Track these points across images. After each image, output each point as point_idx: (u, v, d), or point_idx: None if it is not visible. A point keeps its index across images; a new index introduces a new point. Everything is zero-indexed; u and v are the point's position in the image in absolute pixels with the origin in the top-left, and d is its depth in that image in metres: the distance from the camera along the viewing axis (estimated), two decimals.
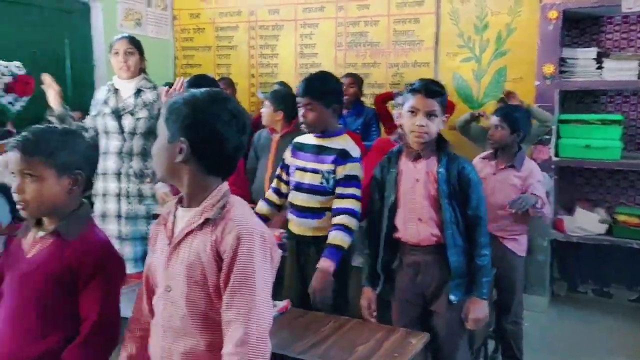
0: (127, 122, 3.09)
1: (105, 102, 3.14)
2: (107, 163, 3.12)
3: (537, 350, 3.40)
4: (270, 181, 3.50)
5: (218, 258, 1.29)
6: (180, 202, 1.42)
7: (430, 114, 2.15)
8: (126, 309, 1.64)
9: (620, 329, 3.88)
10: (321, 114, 2.41)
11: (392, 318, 2.34)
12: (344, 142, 2.45)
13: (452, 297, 2.18)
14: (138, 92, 3.13)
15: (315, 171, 2.43)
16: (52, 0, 4.66)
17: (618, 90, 4.23)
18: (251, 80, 5.41)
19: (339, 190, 2.37)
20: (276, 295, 2.35)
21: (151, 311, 1.44)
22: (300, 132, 2.59)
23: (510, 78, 4.45)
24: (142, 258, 3.06)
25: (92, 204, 3.04)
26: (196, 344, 1.32)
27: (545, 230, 4.05)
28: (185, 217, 1.37)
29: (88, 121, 3.22)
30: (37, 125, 1.61)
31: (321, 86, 2.45)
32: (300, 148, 2.53)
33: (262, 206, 2.62)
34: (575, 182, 4.44)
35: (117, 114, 3.09)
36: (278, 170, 2.64)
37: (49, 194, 1.52)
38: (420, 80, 2.23)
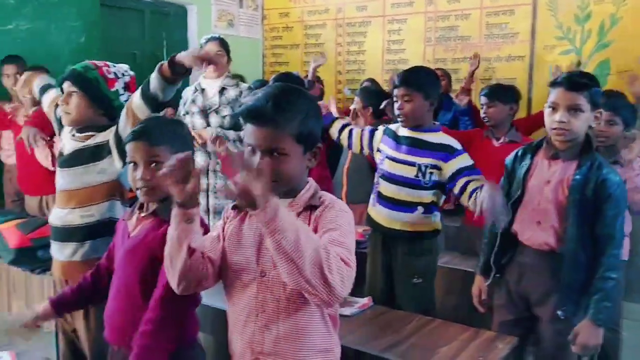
0: (214, 120, 3.23)
1: (193, 101, 3.30)
2: (196, 160, 3.25)
3: None
4: (348, 172, 3.55)
5: None
6: None
7: (572, 109, 1.91)
8: (209, 298, 1.68)
9: None
10: (418, 106, 2.34)
11: (494, 314, 2.22)
12: (443, 137, 2.38)
13: (559, 313, 1.98)
14: (222, 90, 3.26)
15: (410, 164, 2.35)
16: (152, 4, 4.93)
17: None
18: (338, 77, 5.43)
19: (466, 178, 2.24)
20: (357, 291, 2.37)
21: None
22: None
23: (614, 71, 4.15)
24: None
25: None
26: (289, 327, 1.34)
27: None
28: None
29: None
30: (152, 116, 1.78)
31: (420, 77, 2.39)
32: (392, 136, 2.45)
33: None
34: None
35: (205, 113, 3.23)
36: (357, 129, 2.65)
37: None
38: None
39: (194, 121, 3.27)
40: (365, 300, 2.18)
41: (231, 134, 3.18)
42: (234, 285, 1.41)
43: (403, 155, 2.38)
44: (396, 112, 2.41)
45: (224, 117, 3.23)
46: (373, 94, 3.54)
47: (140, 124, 1.71)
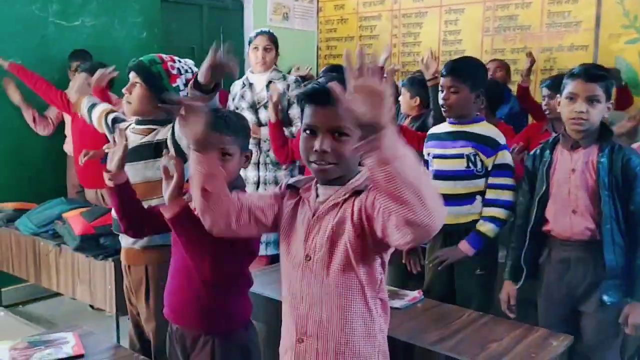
0: (263, 115, 3.27)
1: (242, 97, 3.35)
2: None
3: None
4: None
5: (360, 223, 1.33)
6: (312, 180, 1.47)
7: (591, 100, 1.98)
8: (261, 287, 1.72)
9: None
10: (464, 97, 2.31)
11: (539, 317, 2.21)
12: (486, 128, 2.34)
13: (605, 298, 2.00)
14: (269, 84, 3.29)
15: (458, 156, 2.33)
16: None
17: None
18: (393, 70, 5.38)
19: (492, 180, 2.31)
20: (416, 287, 2.36)
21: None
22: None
23: None
24: (273, 242, 3.21)
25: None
26: (331, 311, 1.37)
27: None
28: (326, 193, 1.41)
29: None
30: (219, 108, 1.84)
31: (467, 68, 2.35)
32: (435, 137, 2.45)
33: None
34: None
35: (254, 108, 3.28)
36: None
37: (234, 169, 1.71)
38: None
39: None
40: (415, 294, 2.17)
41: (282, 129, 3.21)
42: (285, 268, 1.46)
43: (450, 150, 2.36)
44: (440, 101, 2.38)
45: None
46: (420, 84, 3.48)
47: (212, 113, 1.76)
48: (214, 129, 1.64)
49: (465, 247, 2.29)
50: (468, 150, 2.31)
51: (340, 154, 1.32)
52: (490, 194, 2.31)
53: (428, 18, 5.15)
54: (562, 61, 4.40)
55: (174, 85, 2.11)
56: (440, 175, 2.37)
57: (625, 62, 4.16)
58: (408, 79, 3.58)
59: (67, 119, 3.85)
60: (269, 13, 5.38)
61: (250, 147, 3.24)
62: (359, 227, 1.33)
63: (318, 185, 1.44)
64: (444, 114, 2.40)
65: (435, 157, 2.42)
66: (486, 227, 2.28)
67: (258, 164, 3.38)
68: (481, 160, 2.30)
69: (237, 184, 1.74)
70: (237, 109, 3.36)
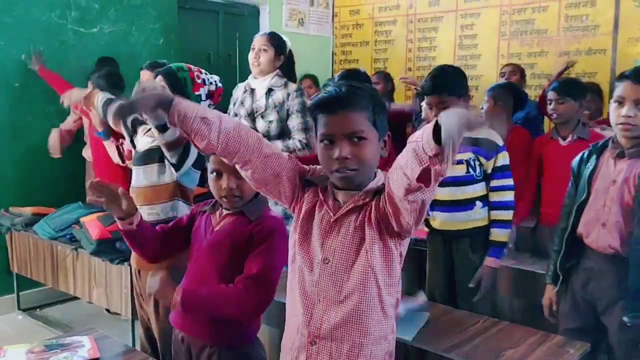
0: (260, 125, 2.99)
1: (242, 103, 3.10)
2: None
3: None
4: None
5: (378, 224, 1.33)
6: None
7: (639, 103, 1.86)
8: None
9: None
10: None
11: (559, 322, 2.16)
12: (484, 131, 2.30)
13: (625, 319, 1.89)
14: (269, 91, 3.01)
15: (457, 162, 2.30)
16: (226, 5, 5.08)
17: None
18: (407, 74, 5.36)
19: (494, 182, 2.33)
20: (410, 290, 2.34)
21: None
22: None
23: None
24: None
25: None
26: (347, 313, 1.37)
27: None
28: (345, 198, 1.40)
29: None
30: None
31: (450, 78, 2.33)
32: None
33: None
34: None
35: (252, 117, 3.04)
36: None
37: (249, 186, 1.60)
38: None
39: None
40: (419, 300, 2.17)
41: (278, 144, 2.91)
42: (297, 269, 1.45)
43: None
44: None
45: (269, 122, 2.96)
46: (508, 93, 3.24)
47: None
48: None
49: (491, 262, 2.32)
50: (468, 155, 2.32)
51: (360, 158, 1.32)
52: (495, 197, 2.34)
53: (444, 23, 5.13)
54: (580, 65, 4.35)
55: (196, 93, 2.15)
56: (440, 183, 2.35)
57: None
58: (493, 87, 3.40)
59: (86, 125, 3.89)
60: (285, 19, 5.40)
61: None
62: (378, 228, 1.34)
63: (336, 190, 1.44)
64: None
65: None
66: (500, 236, 2.33)
67: None
68: (480, 165, 2.33)
69: (260, 198, 1.72)
70: (236, 115, 3.12)
